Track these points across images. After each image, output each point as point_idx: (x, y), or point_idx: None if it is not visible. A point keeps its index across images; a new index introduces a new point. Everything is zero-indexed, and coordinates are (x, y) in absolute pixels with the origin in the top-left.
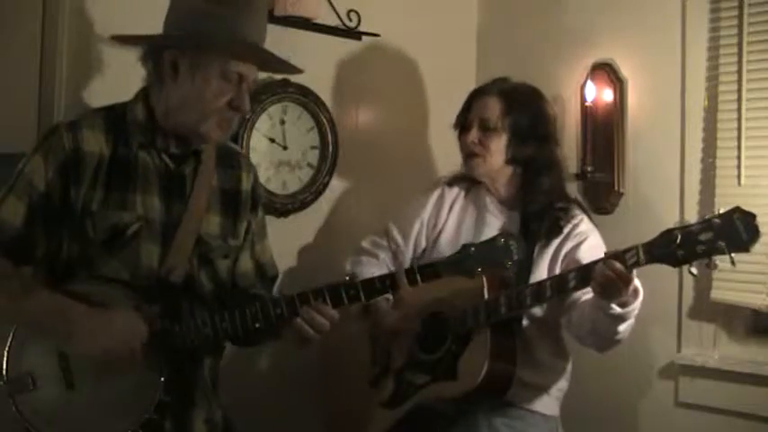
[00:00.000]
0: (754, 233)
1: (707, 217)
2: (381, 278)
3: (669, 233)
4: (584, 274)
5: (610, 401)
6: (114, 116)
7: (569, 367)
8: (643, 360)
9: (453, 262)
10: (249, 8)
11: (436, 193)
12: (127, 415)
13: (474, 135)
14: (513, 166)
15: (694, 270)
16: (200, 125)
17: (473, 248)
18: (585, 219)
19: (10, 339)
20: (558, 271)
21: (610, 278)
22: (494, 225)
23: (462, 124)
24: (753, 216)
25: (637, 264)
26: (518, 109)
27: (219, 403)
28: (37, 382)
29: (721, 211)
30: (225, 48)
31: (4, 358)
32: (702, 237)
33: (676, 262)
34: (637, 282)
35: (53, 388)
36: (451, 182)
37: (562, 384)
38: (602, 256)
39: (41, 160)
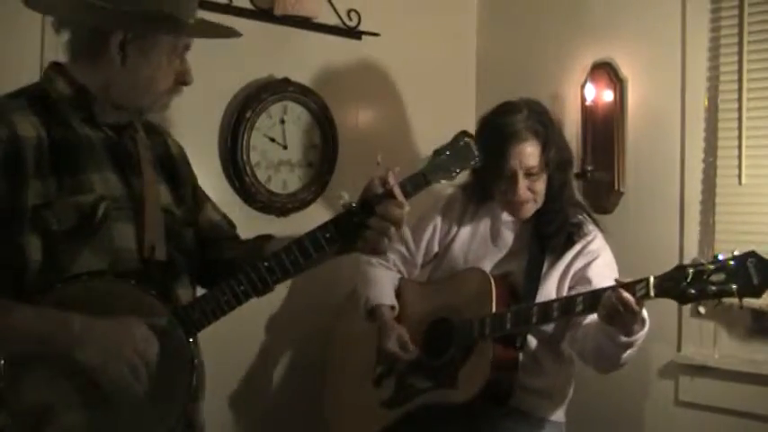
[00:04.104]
0: (766, 279)
1: (721, 258)
2: (378, 196)
3: (682, 269)
4: (594, 299)
5: (610, 401)
6: (34, 98)
7: (573, 373)
8: (643, 359)
9: (436, 168)
10: None
11: (451, 199)
12: (170, 403)
13: (523, 185)
14: None
15: (702, 309)
16: (153, 106)
17: (446, 153)
18: (599, 236)
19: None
20: (566, 287)
21: (617, 308)
22: (507, 238)
23: (503, 174)
24: (767, 262)
25: (646, 296)
26: (550, 143)
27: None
28: (57, 411)
29: (736, 254)
30: (192, 30)
31: None
32: (714, 277)
33: (685, 299)
34: (644, 312)
35: (78, 410)
36: (465, 188)
37: (566, 390)
38: (613, 274)
39: None
